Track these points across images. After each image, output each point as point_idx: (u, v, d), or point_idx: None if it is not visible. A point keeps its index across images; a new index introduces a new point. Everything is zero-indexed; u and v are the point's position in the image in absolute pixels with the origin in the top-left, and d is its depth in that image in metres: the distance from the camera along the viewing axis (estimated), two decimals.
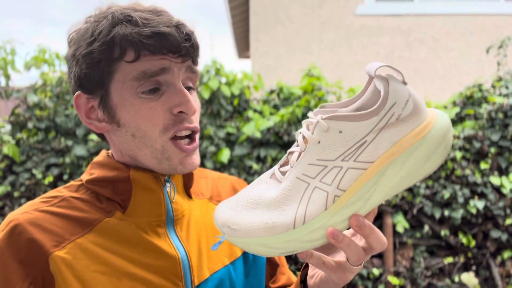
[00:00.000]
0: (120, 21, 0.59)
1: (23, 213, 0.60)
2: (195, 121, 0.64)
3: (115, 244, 0.61)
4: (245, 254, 0.75)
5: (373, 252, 0.53)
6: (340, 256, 0.56)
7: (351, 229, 0.57)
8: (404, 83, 0.48)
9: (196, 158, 0.65)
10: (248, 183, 1.45)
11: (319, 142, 0.48)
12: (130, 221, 0.63)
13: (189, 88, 0.65)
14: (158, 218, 0.65)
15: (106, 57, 0.59)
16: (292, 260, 2.50)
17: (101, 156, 0.69)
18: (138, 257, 0.61)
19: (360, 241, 0.55)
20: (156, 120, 0.60)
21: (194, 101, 0.65)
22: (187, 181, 0.71)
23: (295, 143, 0.52)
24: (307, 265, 0.67)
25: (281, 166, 0.53)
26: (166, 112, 0.61)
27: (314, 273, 0.63)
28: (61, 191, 0.66)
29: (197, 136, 0.65)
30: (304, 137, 0.51)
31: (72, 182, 0.69)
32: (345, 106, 0.53)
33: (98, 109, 0.63)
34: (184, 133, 0.63)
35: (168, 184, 0.67)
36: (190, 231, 0.69)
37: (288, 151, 0.53)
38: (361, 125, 0.47)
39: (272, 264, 0.80)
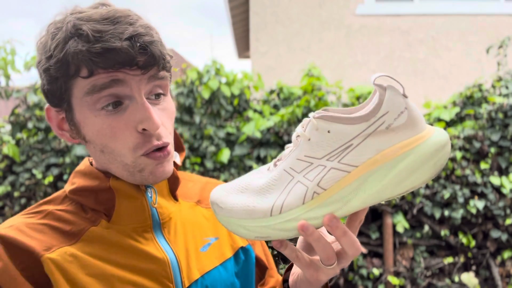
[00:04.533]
0: (72, 35, 0.56)
1: (9, 227, 0.60)
2: (163, 135, 0.61)
3: (103, 251, 0.61)
4: (236, 256, 0.76)
5: (346, 257, 0.53)
6: (315, 256, 0.57)
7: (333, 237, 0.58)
8: (405, 96, 0.48)
9: (168, 165, 0.63)
10: None
11: (309, 140, 0.51)
12: (116, 228, 0.63)
13: (159, 95, 0.62)
14: (143, 223, 0.65)
15: (62, 74, 0.58)
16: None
17: (83, 164, 0.68)
18: (127, 262, 0.61)
19: (337, 246, 0.55)
20: (122, 138, 0.59)
21: (164, 109, 0.63)
22: (172, 184, 0.71)
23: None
24: (292, 266, 0.67)
25: (278, 160, 0.56)
26: (132, 130, 0.59)
27: (294, 271, 0.64)
28: (45, 207, 0.65)
29: (170, 146, 0.63)
30: (298, 135, 0.53)
31: (56, 194, 0.68)
32: (348, 113, 0.53)
33: (66, 123, 0.63)
34: (156, 147, 0.61)
35: (149, 189, 0.67)
36: (178, 233, 0.69)
37: (286, 146, 0.55)
38: (349, 128, 0.48)
39: (261, 267, 0.80)
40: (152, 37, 0.58)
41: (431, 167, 0.48)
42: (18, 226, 0.60)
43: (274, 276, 0.82)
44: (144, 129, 0.59)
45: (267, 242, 0.63)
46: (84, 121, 0.60)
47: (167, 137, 0.63)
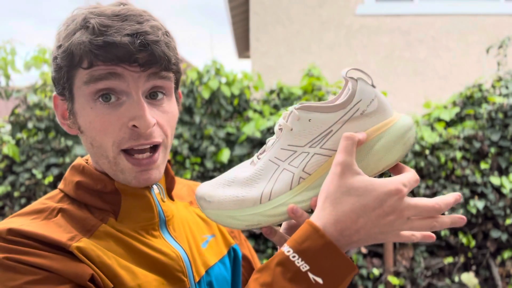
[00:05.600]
0: (81, 27, 0.58)
1: (20, 225, 0.56)
2: (155, 135, 0.60)
3: (118, 247, 0.60)
4: (229, 253, 0.77)
5: None
6: None
7: None
8: (373, 86, 0.54)
9: (154, 173, 0.62)
10: None
11: (291, 130, 0.54)
12: (125, 227, 0.63)
13: (158, 95, 0.62)
14: (151, 221, 0.65)
15: (67, 63, 0.59)
16: None
17: (80, 164, 0.66)
18: (142, 259, 0.61)
19: None
20: (110, 132, 0.59)
21: (164, 111, 0.62)
22: (169, 184, 0.71)
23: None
24: None
25: (260, 154, 0.58)
26: (122, 126, 0.59)
27: None
28: (47, 202, 0.63)
29: (161, 149, 0.62)
30: (280, 127, 0.56)
31: (50, 194, 0.65)
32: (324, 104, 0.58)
33: (68, 112, 0.64)
34: (142, 146, 0.60)
35: (155, 187, 0.67)
36: (181, 230, 0.70)
37: (267, 140, 0.58)
38: (328, 116, 0.53)
39: (247, 268, 0.81)
40: (157, 37, 0.58)
41: (401, 146, 0.54)
42: (30, 223, 0.57)
43: None
44: (134, 126, 0.59)
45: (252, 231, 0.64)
46: (80, 112, 0.61)
47: (160, 138, 0.62)
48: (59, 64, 0.60)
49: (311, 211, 0.54)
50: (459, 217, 0.52)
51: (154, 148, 0.62)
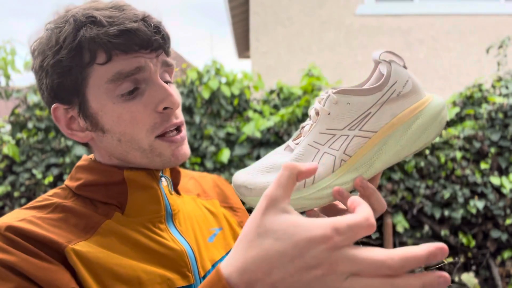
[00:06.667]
0: (84, 23, 0.56)
1: (21, 220, 0.56)
2: (179, 115, 0.63)
3: (121, 245, 0.60)
4: None
5: (374, 214, 0.55)
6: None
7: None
8: (405, 67, 0.55)
9: (186, 148, 0.64)
10: None
11: (329, 114, 0.54)
12: (131, 221, 0.62)
13: (167, 82, 0.63)
14: (158, 214, 0.64)
15: (77, 63, 0.56)
16: None
17: (85, 161, 0.66)
18: (146, 254, 0.60)
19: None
20: (142, 122, 0.59)
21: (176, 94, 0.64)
22: (175, 178, 0.71)
23: (308, 119, 0.58)
24: None
25: (295, 139, 0.59)
26: (151, 112, 0.59)
27: None
28: (50, 198, 0.62)
29: (184, 127, 0.65)
30: (316, 111, 0.56)
31: (55, 190, 0.65)
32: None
33: (79, 118, 0.61)
34: (174, 126, 0.62)
35: (163, 179, 0.67)
36: (187, 224, 0.69)
37: (301, 125, 0.58)
38: (366, 99, 0.53)
39: None
40: (158, 18, 0.60)
41: (437, 125, 0.55)
42: (31, 219, 0.56)
43: None
44: (165, 108, 0.60)
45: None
46: (102, 110, 0.59)
47: (182, 117, 0.64)
48: (67, 65, 0.57)
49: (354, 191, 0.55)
50: (437, 276, 0.37)
51: (178, 127, 0.63)
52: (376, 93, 0.53)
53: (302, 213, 0.60)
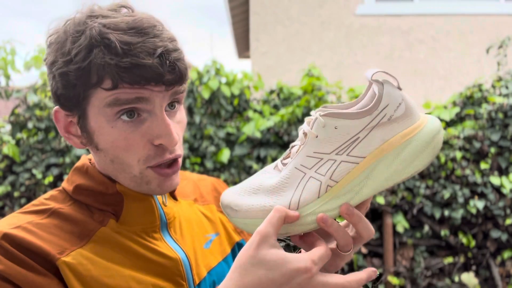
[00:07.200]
0: (98, 44, 0.54)
1: (16, 227, 0.56)
2: (177, 148, 0.61)
3: (115, 252, 0.60)
4: (233, 251, 0.77)
5: (362, 240, 0.55)
6: (331, 245, 0.58)
7: (344, 221, 0.60)
8: (399, 88, 0.52)
9: (176, 178, 0.63)
10: None
11: (317, 137, 0.53)
12: (126, 229, 0.62)
13: (173, 105, 0.62)
14: (153, 224, 0.65)
15: (83, 82, 0.56)
16: None
17: (84, 164, 0.66)
18: (140, 263, 0.61)
19: (350, 232, 0.58)
20: (135, 151, 0.58)
21: (179, 121, 0.63)
22: None
23: (298, 138, 0.57)
24: None
25: (284, 159, 0.57)
26: (147, 143, 0.58)
27: None
28: (47, 203, 0.62)
29: (180, 159, 0.63)
30: (304, 132, 0.54)
31: (52, 193, 0.65)
32: (346, 108, 0.56)
33: (77, 127, 0.61)
34: (168, 160, 0.61)
35: None
36: (183, 232, 0.69)
37: (291, 145, 0.57)
38: (354, 123, 0.51)
39: None
40: (180, 53, 0.57)
41: (430, 151, 0.52)
42: (26, 226, 0.57)
43: None
44: (160, 144, 0.59)
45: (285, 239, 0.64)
46: (99, 131, 0.59)
47: (180, 150, 0.63)
48: (73, 82, 0.56)
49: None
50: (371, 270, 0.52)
51: (173, 160, 0.62)
52: (366, 117, 0.51)
53: (287, 239, 0.60)
